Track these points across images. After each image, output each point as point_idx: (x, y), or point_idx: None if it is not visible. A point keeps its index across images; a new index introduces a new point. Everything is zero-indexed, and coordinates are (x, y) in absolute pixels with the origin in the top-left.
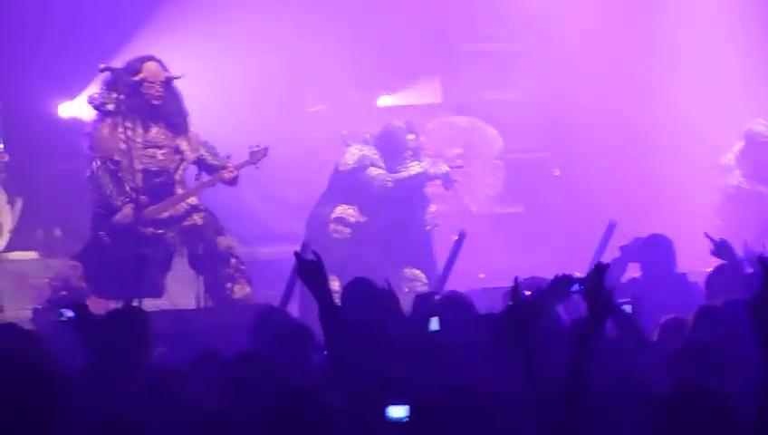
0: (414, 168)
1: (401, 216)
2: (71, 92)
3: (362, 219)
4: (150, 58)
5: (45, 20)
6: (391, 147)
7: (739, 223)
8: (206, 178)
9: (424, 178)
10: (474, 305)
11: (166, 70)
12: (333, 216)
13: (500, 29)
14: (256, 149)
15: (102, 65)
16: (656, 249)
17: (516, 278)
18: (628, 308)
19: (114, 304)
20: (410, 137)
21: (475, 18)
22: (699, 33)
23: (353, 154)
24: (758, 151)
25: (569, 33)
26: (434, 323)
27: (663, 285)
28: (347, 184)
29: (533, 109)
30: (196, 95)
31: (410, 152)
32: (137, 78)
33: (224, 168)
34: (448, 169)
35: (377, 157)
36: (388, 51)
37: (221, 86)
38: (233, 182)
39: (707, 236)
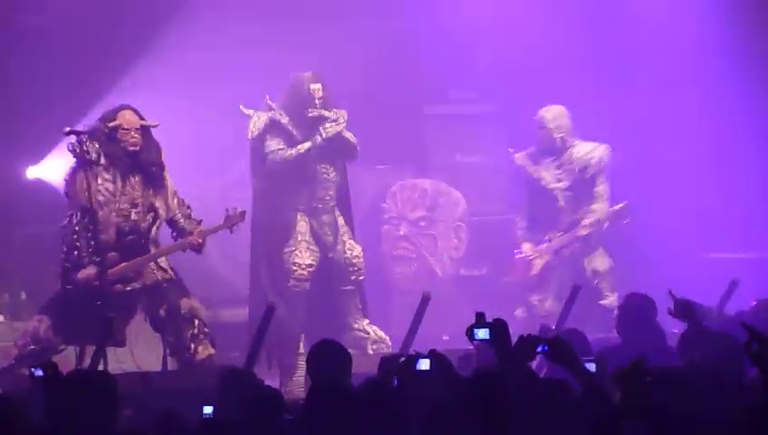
0: (304, 145)
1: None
2: (37, 156)
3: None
4: (126, 107)
5: (6, 79)
6: (295, 101)
7: None
8: (176, 240)
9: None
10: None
11: (141, 118)
12: (292, 263)
13: (468, 92)
14: (232, 213)
15: (67, 129)
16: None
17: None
18: (591, 366)
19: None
20: (314, 87)
21: (443, 80)
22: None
23: (255, 122)
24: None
25: (539, 95)
26: (424, 364)
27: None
28: (258, 155)
29: (498, 171)
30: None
31: (316, 109)
32: (111, 124)
33: (191, 234)
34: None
35: (284, 121)
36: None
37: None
38: (198, 249)
39: (671, 295)
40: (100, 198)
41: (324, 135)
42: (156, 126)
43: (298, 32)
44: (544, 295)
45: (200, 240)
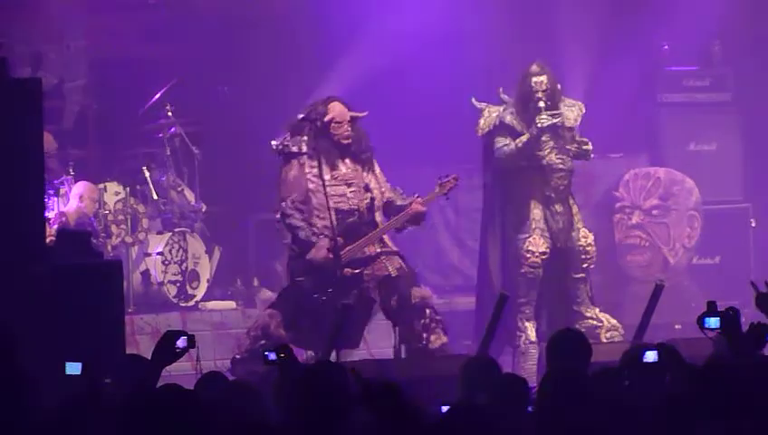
0: (522, 138)
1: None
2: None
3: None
4: (335, 98)
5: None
6: (522, 93)
7: None
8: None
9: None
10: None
11: (351, 108)
12: (525, 250)
13: (702, 80)
14: (445, 179)
15: (300, 115)
16: None
17: None
18: None
19: (311, 354)
20: (537, 80)
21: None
22: None
23: (486, 117)
24: None
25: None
26: (650, 356)
27: None
28: (488, 150)
29: (732, 159)
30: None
31: (541, 102)
32: (325, 119)
33: (409, 205)
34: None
35: (512, 116)
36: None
37: None
38: (420, 218)
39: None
40: (311, 185)
41: (539, 125)
42: (364, 115)
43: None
44: None
45: (421, 208)
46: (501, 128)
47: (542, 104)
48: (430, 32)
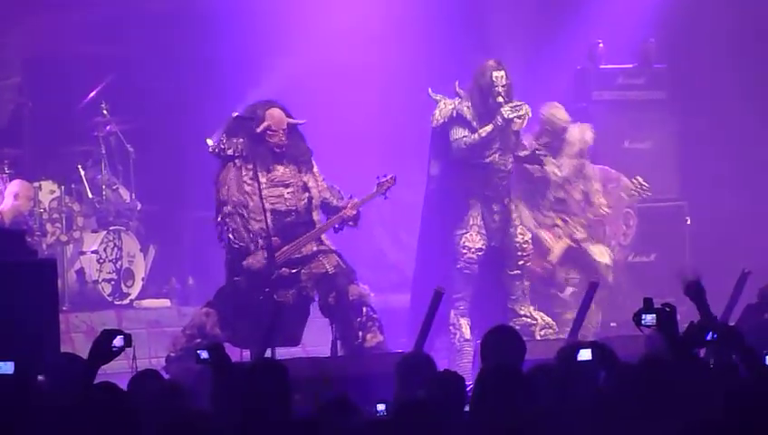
0: (485, 128)
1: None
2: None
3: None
4: (273, 104)
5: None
6: (480, 88)
7: None
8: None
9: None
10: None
11: (289, 114)
12: (462, 246)
13: (637, 78)
14: (383, 179)
15: (235, 113)
16: None
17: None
18: None
19: (247, 353)
20: (497, 74)
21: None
22: None
23: (442, 109)
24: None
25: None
26: (584, 354)
27: None
28: (439, 140)
29: (666, 157)
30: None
31: (500, 97)
32: (262, 127)
33: (345, 207)
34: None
35: (467, 109)
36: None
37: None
38: (355, 220)
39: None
40: (247, 188)
41: (506, 116)
42: (302, 123)
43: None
44: None
45: (355, 211)
46: (458, 120)
47: (500, 99)
48: (368, 30)
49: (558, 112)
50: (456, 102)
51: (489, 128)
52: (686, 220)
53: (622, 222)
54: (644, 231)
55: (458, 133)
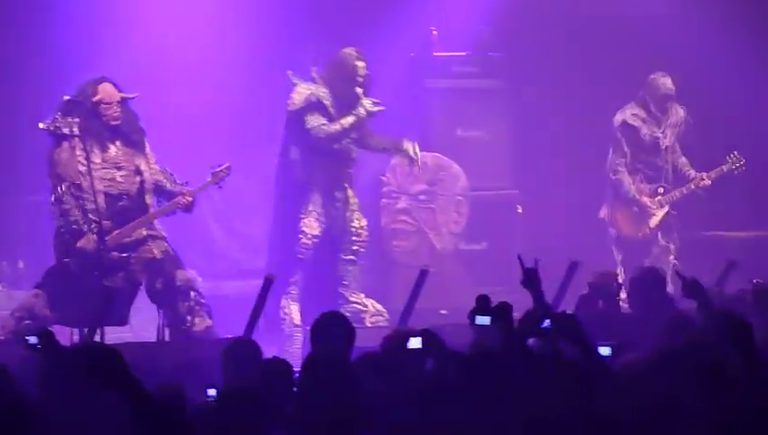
0: (347, 118)
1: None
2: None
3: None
4: (104, 79)
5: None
6: (341, 76)
7: None
8: (164, 204)
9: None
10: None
11: (120, 90)
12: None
13: (471, 66)
14: (218, 168)
15: (66, 97)
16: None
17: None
18: (605, 350)
19: (78, 333)
20: (360, 64)
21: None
22: None
23: (300, 93)
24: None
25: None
26: (414, 342)
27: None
28: (296, 125)
29: (500, 146)
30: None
31: (359, 87)
32: (95, 99)
33: (181, 193)
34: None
35: (324, 95)
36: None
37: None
38: (189, 208)
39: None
40: (81, 168)
41: (370, 109)
42: (134, 97)
43: None
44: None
45: (189, 199)
46: (316, 106)
47: (359, 89)
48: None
49: (667, 81)
50: (314, 88)
51: (351, 119)
52: (518, 209)
53: (453, 210)
54: (475, 219)
55: (316, 120)
